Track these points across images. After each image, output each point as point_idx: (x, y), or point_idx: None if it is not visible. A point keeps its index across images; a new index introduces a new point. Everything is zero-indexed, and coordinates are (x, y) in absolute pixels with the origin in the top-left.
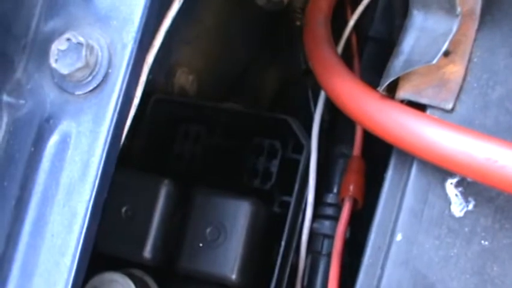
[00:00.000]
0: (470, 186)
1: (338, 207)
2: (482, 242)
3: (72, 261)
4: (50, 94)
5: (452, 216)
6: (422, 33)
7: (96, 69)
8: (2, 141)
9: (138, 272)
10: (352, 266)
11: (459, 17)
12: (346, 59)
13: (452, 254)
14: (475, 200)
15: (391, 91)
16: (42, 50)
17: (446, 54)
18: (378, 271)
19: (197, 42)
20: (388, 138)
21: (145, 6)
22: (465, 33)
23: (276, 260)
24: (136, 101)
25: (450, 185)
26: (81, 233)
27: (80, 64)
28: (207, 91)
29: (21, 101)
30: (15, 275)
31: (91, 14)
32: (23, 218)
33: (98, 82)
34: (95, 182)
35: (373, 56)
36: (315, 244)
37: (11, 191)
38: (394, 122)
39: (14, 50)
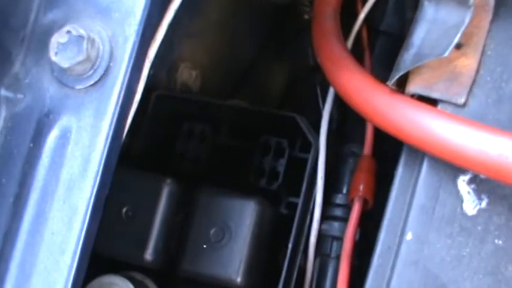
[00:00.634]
0: (483, 183)
1: (347, 208)
2: (496, 241)
3: (72, 260)
4: (50, 88)
5: (464, 214)
6: (434, 25)
7: (98, 63)
8: None
9: (138, 275)
10: (361, 268)
11: (472, 8)
12: (356, 54)
13: (464, 253)
14: (488, 197)
15: (401, 85)
16: (41, 43)
17: (458, 46)
18: (388, 272)
19: (201, 36)
20: (398, 134)
21: None
22: (478, 25)
23: (283, 262)
24: (137, 97)
25: (462, 182)
26: (81, 230)
27: (80, 57)
28: (211, 87)
29: (20, 96)
30: (13, 274)
31: (92, 6)
32: (21, 216)
33: (99, 76)
34: (96, 177)
35: (385, 50)
36: (323, 246)
37: (9, 188)
38: (404, 118)
39: (11, 43)
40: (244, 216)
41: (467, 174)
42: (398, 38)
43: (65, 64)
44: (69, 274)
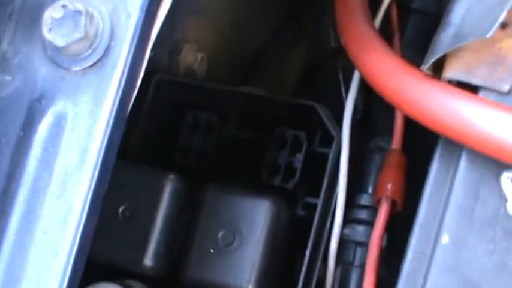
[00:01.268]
0: None
1: (373, 209)
2: None
3: (67, 263)
4: (42, 69)
5: (508, 215)
6: (475, 1)
7: (97, 42)
8: None
9: (136, 284)
10: (389, 279)
11: None
12: (384, 35)
13: (508, 259)
14: None
15: (437, 70)
16: (32, 18)
17: (504, 26)
18: (420, 280)
19: (207, 13)
20: (434, 125)
21: None
22: None
23: (300, 271)
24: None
25: (506, 179)
26: (77, 230)
27: (78, 35)
28: (219, 73)
29: (7, 77)
30: None
31: None
32: (9, 213)
33: (98, 56)
34: (94, 171)
35: (417, 31)
36: (345, 253)
37: None
38: (441, 107)
39: None
40: (257, 218)
41: (511, 171)
42: (433, 17)
43: (59, 42)
44: (62, 279)
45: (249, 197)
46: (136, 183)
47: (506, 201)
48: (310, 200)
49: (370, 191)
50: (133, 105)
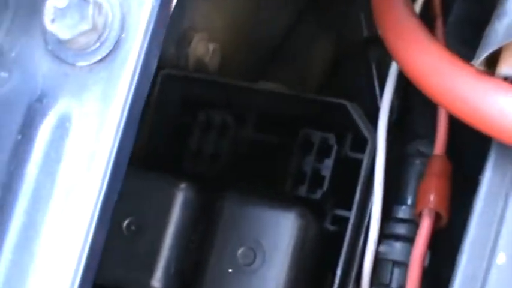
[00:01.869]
0: None
1: (414, 224)
2: None
3: (72, 286)
4: (43, 65)
5: None
6: None
7: (106, 34)
8: None
9: None
10: None
11: None
12: (426, 21)
13: None
14: None
15: (490, 65)
16: (32, 7)
17: None
18: None
19: None
20: (486, 128)
21: None
22: None
23: None
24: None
25: None
26: (84, 247)
27: (85, 26)
28: (234, 67)
29: (4, 74)
30: None
31: None
32: (5, 228)
33: (107, 50)
34: (103, 180)
35: (463, 17)
36: (381, 273)
37: None
38: (495, 107)
39: None
40: (282, 233)
41: None
42: (483, 2)
43: (64, 35)
44: None
45: (272, 209)
46: (142, 193)
47: None
48: (341, 212)
49: (409, 202)
50: None
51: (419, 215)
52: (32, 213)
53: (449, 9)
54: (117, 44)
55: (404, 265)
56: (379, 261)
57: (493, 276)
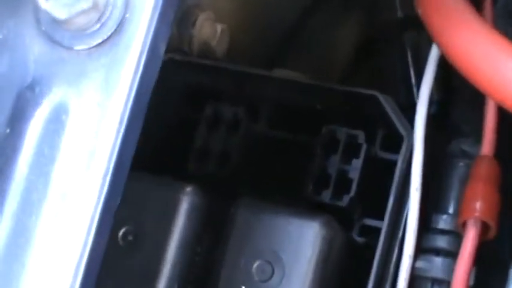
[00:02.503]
0: None
1: (456, 235)
2: None
3: None
4: (35, 48)
5: None
6: None
7: (108, 13)
8: None
9: None
10: None
11: None
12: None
13: None
14: None
15: None
16: None
17: None
18: None
19: None
20: None
21: None
22: None
23: None
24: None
25: None
26: (81, 258)
27: (84, 4)
28: (245, 51)
29: None
30: None
31: None
32: None
33: (109, 32)
34: (104, 181)
35: None
36: None
37: None
38: None
39: None
40: (303, 245)
41: None
42: None
43: (60, 14)
44: None
45: (292, 218)
46: (141, 198)
47: None
48: (371, 222)
49: (451, 211)
50: None
51: (463, 225)
52: (22, 218)
53: None
54: (120, 24)
55: (445, 283)
56: (415, 279)
57: None
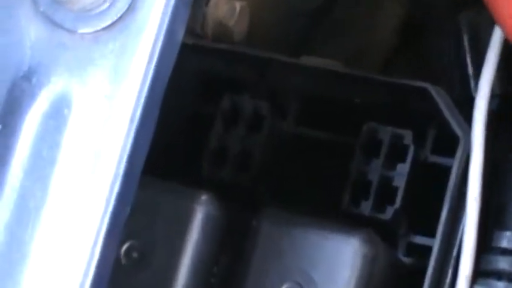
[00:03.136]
0: None
1: None
2: None
3: None
4: (31, 31)
5: None
6: None
7: None
8: None
9: None
10: None
11: None
12: None
13: None
14: None
15: None
16: None
17: None
18: None
19: None
20: None
21: None
22: None
23: None
24: None
25: None
26: (85, 276)
27: None
28: (268, 33)
29: None
30: None
31: None
32: None
33: (120, 12)
34: (112, 186)
35: None
36: None
37: None
38: None
39: None
40: (340, 265)
41: None
42: None
43: None
44: None
45: (327, 232)
46: (148, 208)
47: None
48: (420, 239)
49: None
50: None
51: None
52: (16, 230)
53: None
54: (132, 4)
55: None
56: None
57: None
